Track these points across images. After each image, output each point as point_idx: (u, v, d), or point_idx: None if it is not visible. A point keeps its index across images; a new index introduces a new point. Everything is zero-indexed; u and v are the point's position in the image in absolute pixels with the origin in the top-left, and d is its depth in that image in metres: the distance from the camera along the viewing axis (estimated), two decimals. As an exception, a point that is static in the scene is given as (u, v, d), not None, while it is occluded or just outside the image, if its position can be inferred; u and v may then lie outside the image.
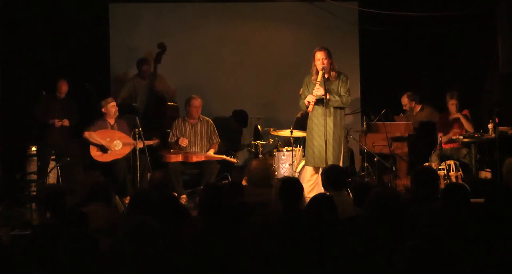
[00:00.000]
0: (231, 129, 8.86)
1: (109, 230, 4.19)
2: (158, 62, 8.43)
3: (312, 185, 6.68)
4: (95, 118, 7.76)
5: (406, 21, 8.77)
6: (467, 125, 7.92)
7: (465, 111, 8.13)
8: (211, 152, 7.98)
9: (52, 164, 7.85)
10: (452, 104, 8.08)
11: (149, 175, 7.17)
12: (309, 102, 6.60)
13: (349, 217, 4.15)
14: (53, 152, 7.85)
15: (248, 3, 9.60)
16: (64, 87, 7.78)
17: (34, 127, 7.86)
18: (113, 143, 7.62)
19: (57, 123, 7.71)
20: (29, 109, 7.82)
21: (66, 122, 7.75)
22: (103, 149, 7.55)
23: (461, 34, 9.16)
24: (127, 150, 7.61)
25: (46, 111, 7.76)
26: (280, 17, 9.54)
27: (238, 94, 9.51)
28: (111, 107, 7.70)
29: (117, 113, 7.76)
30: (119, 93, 8.43)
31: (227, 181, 7.41)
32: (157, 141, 7.78)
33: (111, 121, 7.75)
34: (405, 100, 8.56)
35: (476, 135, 7.75)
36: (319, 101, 6.58)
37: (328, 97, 6.51)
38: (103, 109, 7.69)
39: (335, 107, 6.65)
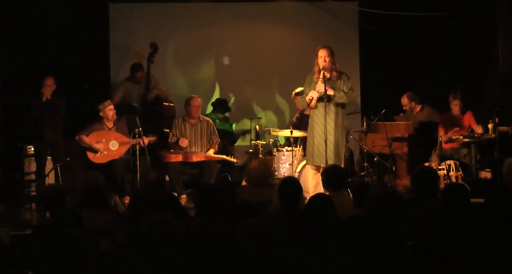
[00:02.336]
0: (219, 122, 8.78)
1: (107, 230, 4.19)
2: (151, 62, 8.40)
3: (315, 185, 6.67)
4: (92, 122, 7.75)
5: (406, 21, 8.77)
6: (476, 127, 7.92)
7: (469, 113, 8.12)
8: (211, 152, 7.97)
9: (49, 164, 7.84)
10: (455, 105, 8.07)
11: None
12: (310, 99, 6.60)
13: (349, 217, 4.15)
14: (49, 152, 7.82)
15: (248, 3, 9.60)
16: (50, 82, 7.68)
17: (31, 127, 7.80)
18: (109, 144, 7.63)
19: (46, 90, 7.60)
20: (27, 110, 7.75)
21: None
22: (96, 151, 7.57)
23: (461, 34, 9.16)
24: (124, 149, 7.62)
25: (41, 109, 7.70)
26: (280, 17, 9.54)
27: (238, 94, 9.52)
28: (109, 111, 7.70)
29: (115, 116, 7.76)
30: (112, 97, 8.38)
31: (219, 182, 7.42)
32: (154, 138, 7.75)
33: (109, 124, 7.74)
34: (405, 100, 8.55)
35: (476, 135, 7.75)
36: (321, 100, 6.57)
37: (332, 93, 6.50)
38: (101, 113, 7.69)
39: (337, 106, 6.63)
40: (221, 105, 8.86)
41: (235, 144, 8.94)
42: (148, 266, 2.87)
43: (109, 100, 7.84)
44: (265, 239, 3.22)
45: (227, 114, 8.95)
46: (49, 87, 7.65)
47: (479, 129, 7.80)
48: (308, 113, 7.02)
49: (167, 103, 8.53)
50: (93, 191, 4.91)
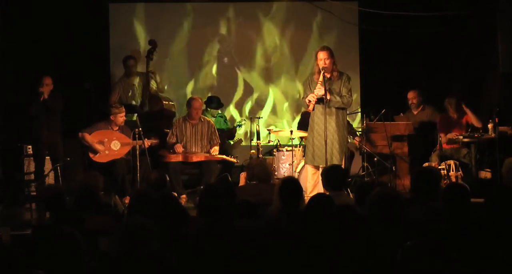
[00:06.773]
0: (214, 119, 8.73)
1: (106, 231, 4.18)
2: (150, 59, 8.40)
3: (314, 185, 6.67)
4: (98, 120, 7.75)
5: (406, 21, 8.77)
6: (475, 121, 7.85)
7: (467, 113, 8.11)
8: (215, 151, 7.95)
9: (48, 164, 7.84)
10: (453, 113, 8.03)
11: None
12: (309, 101, 6.60)
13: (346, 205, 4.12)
14: (47, 152, 7.80)
15: (248, 3, 9.60)
16: (48, 81, 7.66)
17: (29, 127, 7.78)
18: (110, 143, 7.63)
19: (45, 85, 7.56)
20: (26, 110, 7.73)
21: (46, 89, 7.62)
22: (96, 152, 7.57)
23: (461, 34, 9.16)
24: (125, 150, 7.61)
25: (39, 109, 7.68)
26: (280, 17, 9.54)
27: (237, 94, 9.52)
28: (120, 118, 7.69)
29: (123, 123, 7.76)
30: (110, 97, 8.36)
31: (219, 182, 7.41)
32: (156, 141, 7.76)
33: (115, 128, 7.74)
34: (413, 94, 8.46)
35: (476, 135, 7.74)
36: (320, 101, 6.57)
37: (328, 97, 6.50)
38: (111, 117, 7.68)
39: (337, 108, 6.64)
40: (214, 101, 8.76)
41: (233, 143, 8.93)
42: (148, 266, 2.87)
43: (123, 107, 7.81)
44: (265, 239, 3.23)
45: (219, 111, 8.90)
46: (47, 86, 7.64)
47: (478, 124, 7.78)
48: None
49: (167, 102, 8.52)
50: (86, 195, 4.89)
